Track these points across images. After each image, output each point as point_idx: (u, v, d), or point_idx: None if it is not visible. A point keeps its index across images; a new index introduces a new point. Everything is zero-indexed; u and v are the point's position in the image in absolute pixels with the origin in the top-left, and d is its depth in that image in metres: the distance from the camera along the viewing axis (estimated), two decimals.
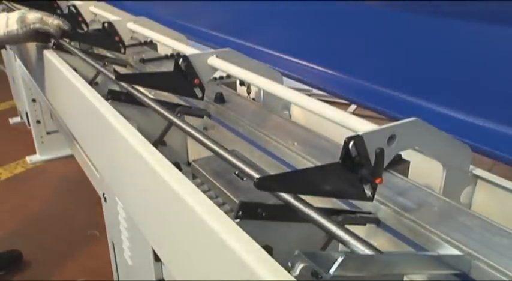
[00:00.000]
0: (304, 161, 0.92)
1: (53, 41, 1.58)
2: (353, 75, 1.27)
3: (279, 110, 1.30)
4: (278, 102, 1.28)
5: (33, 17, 1.50)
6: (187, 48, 1.26)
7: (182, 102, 1.24)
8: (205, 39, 1.86)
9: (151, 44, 1.86)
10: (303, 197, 0.74)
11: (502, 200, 0.88)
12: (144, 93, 1.18)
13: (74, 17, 1.81)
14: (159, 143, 1.13)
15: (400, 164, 0.91)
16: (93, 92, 1.19)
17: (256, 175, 0.74)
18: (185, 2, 2.09)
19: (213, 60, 1.10)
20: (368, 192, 0.68)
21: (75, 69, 1.39)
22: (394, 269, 0.61)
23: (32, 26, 1.49)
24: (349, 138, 0.65)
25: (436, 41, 1.07)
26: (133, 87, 1.17)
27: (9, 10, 2.14)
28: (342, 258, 0.52)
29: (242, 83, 1.44)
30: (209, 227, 0.66)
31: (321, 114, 0.83)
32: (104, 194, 1.45)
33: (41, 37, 1.56)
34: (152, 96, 1.20)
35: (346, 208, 0.80)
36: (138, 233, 1.17)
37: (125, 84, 1.19)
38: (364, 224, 0.77)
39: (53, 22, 1.51)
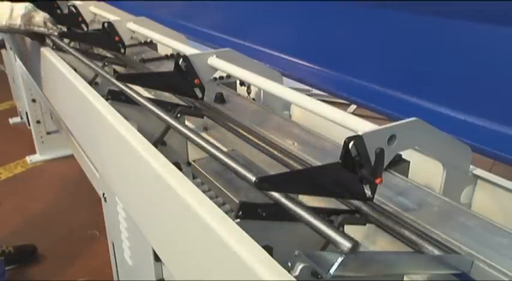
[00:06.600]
0: (304, 161, 0.92)
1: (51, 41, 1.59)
2: (353, 75, 1.27)
3: (279, 110, 1.29)
4: (278, 102, 1.28)
5: (39, 19, 1.52)
6: (187, 48, 1.26)
7: (182, 102, 1.24)
8: (205, 39, 1.86)
9: (151, 44, 1.86)
10: (303, 197, 0.74)
11: (502, 200, 0.88)
12: (144, 93, 1.17)
13: (74, 17, 1.81)
14: (159, 143, 1.13)
15: (400, 164, 0.91)
16: (93, 92, 1.19)
17: (256, 175, 0.74)
18: (185, 2, 2.09)
19: (213, 60, 1.10)
20: (368, 192, 0.68)
21: (75, 69, 1.39)
22: (394, 269, 0.62)
23: (36, 29, 1.51)
24: (349, 138, 0.65)
25: (436, 41, 1.06)
26: (133, 88, 1.17)
27: None
28: (342, 258, 0.52)
29: (242, 83, 1.44)
30: (209, 227, 0.66)
31: (321, 114, 0.83)
32: (104, 194, 1.45)
33: (40, 37, 1.59)
34: (152, 96, 1.19)
35: (346, 208, 0.80)
36: (138, 233, 1.17)
37: (124, 85, 1.19)
38: (364, 224, 0.77)
39: (53, 27, 1.54)
